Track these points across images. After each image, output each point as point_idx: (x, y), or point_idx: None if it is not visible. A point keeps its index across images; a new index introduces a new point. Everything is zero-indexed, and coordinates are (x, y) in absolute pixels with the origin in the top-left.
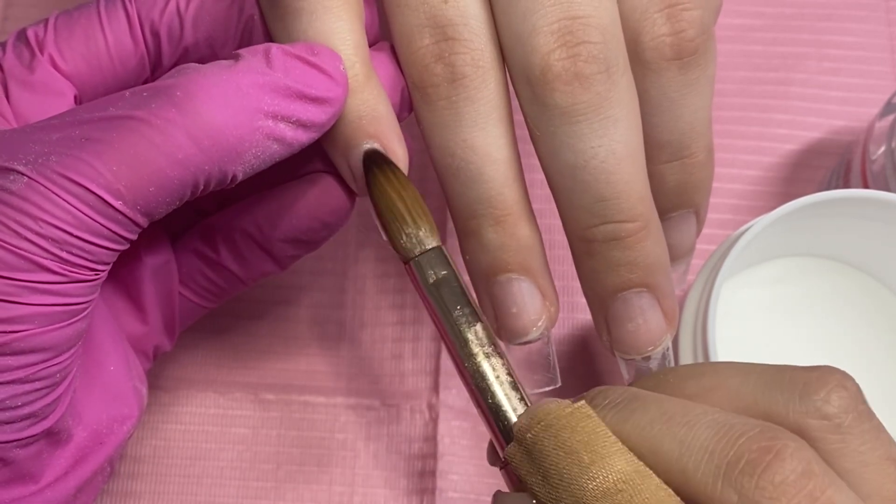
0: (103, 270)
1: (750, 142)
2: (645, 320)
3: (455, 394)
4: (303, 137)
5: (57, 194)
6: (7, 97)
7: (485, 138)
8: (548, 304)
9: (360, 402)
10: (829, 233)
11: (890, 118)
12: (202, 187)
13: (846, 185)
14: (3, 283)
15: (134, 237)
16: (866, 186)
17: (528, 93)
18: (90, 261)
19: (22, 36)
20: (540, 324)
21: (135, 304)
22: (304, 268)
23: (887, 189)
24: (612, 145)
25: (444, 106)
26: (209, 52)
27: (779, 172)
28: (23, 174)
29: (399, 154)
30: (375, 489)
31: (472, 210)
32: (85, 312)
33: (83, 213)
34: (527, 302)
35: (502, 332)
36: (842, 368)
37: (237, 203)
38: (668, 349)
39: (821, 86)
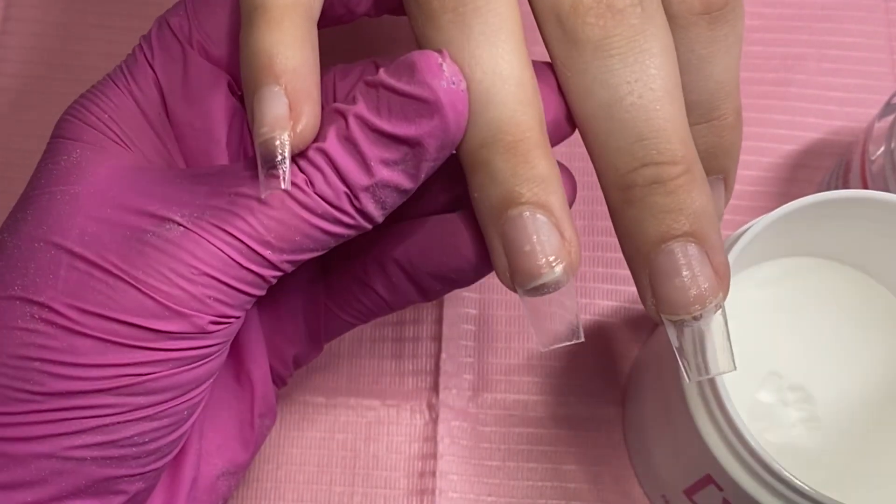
0: (240, 317)
1: (749, 142)
2: (693, 274)
3: (455, 394)
4: (428, 164)
5: (212, 243)
6: (164, 104)
7: (493, 52)
8: (567, 246)
9: (360, 402)
10: (828, 233)
11: (889, 119)
12: (346, 236)
13: (845, 186)
14: (142, 332)
15: (273, 283)
16: (866, 187)
17: (558, 32)
18: (230, 306)
19: (164, 25)
20: (557, 265)
21: (276, 314)
22: None
23: (887, 189)
24: (649, 81)
25: (450, 19)
26: None
27: (778, 173)
28: (179, 224)
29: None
30: (375, 489)
31: (480, 138)
32: (217, 353)
33: (235, 261)
34: (542, 239)
35: (515, 275)
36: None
37: (393, 228)
38: (723, 312)
39: (820, 86)
